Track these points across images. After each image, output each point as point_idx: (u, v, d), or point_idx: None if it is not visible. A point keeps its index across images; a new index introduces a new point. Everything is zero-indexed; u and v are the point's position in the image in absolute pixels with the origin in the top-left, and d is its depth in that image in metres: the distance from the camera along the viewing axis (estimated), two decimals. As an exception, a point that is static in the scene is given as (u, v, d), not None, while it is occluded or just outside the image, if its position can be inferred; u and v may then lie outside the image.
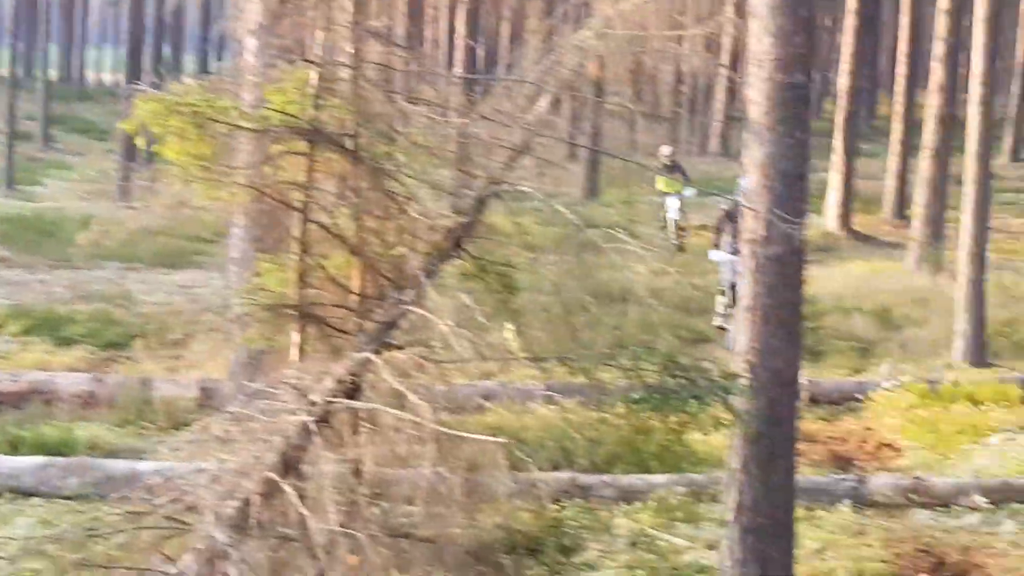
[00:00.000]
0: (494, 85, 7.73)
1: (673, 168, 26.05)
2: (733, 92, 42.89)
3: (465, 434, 6.44)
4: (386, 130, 7.14)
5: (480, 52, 46.11)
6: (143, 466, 10.91)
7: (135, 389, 13.90)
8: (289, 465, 6.47)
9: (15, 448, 12.07)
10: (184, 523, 6.44)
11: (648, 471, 11.79)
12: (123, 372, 15.15)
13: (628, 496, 11.46)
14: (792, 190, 8.74)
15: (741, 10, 12.08)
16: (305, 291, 7.15)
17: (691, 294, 17.38)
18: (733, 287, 15.79)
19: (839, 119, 29.60)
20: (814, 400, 14.79)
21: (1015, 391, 15.02)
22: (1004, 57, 44.21)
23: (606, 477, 11.59)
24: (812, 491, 11.36)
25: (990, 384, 15.24)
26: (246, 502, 6.34)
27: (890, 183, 30.29)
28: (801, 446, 10.30)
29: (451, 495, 6.50)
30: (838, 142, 29.03)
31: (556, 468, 11.50)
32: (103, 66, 78.67)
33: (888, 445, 13.89)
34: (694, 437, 11.49)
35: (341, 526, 6.29)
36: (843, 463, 13.30)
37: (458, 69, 31.21)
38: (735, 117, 40.22)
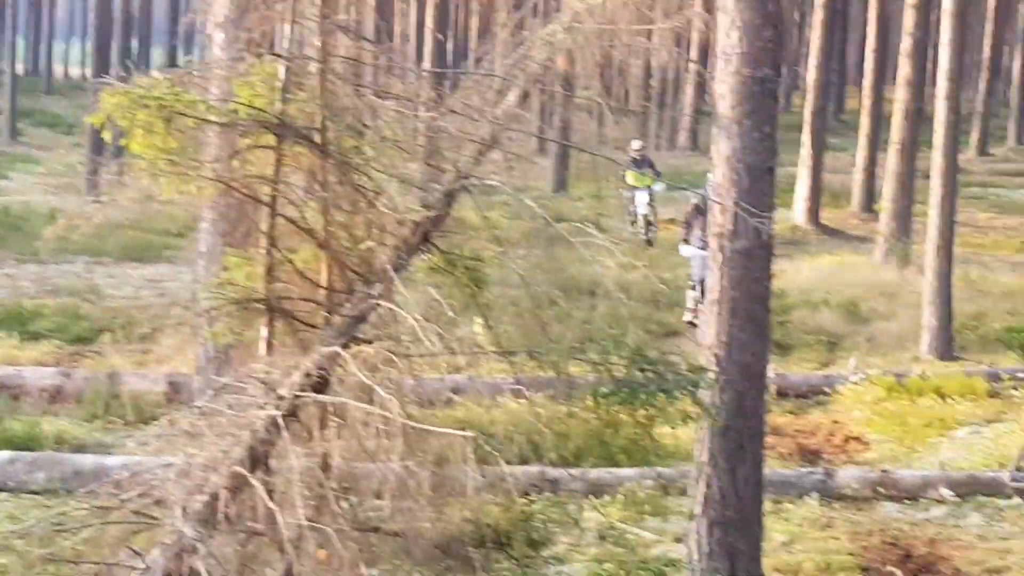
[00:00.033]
0: (463, 79, 7.72)
1: (642, 162, 26.03)
2: (702, 86, 43.01)
3: (434, 428, 6.43)
4: (354, 124, 7.12)
5: (449, 46, 46.10)
6: (111, 460, 10.89)
7: (103, 383, 13.86)
8: (257, 459, 6.46)
9: (-19, 443, 12.02)
10: (152, 518, 6.43)
11: (617, 465, 11.81)
12: (91, 366, 15.10)
13: (597, 490, 11.49)
14: (760, 184, 8.78)
15: (710, 4, 12.10)
16: (273, 285, 7.13)
17: (660, 288, 17.40)
18: (703, 282, 15.83)
19: (807, 113, 29.66)
20: (782, 393, 14.85)
21: (982, 385, 15.11)
22: (971, 52, 44.50)
23: (575, 471, 11.60)
24: (780, 484, 11.42)
25: (957, 378, 15.33)
26: (214, 496, 6.33)
27: (858, 177, 30.39)
28: (769, 439, 10.34)
29: (419, 489, 6.49)
30: (806, 136, 29.07)
31: (525, 462, 11.44)
32: (70, 60, 78.24)
33: (855, 438, 13.96)
34: (662, 431, 11.50)
35: (309, 520, 6.29)
36: (811, 456, 13.36)
37: (427, 63, 31.18)
38: (704, 111, 40.34)
